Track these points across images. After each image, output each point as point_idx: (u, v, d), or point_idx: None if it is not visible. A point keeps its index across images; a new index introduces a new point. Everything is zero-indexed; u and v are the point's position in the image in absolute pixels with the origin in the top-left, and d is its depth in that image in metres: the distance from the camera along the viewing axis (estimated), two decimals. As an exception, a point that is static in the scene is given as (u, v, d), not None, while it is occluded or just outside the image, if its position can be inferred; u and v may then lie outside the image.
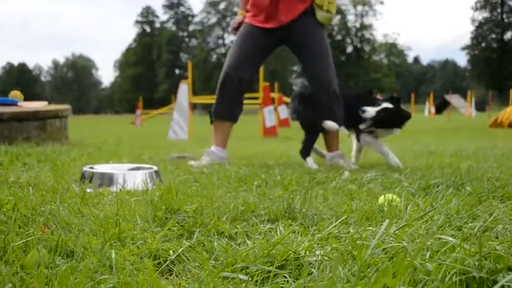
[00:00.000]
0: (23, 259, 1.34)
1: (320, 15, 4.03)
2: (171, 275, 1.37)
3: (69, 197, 2.33)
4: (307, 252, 1.40)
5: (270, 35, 4.10)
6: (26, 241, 1.50)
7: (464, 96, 36.93)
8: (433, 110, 34.01)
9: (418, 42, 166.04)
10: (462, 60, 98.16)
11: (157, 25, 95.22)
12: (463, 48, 74.74)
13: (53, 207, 1.99)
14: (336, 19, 73.78)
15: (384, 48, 75.11)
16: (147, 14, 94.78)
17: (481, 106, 42.11)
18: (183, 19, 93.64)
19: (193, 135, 10.53)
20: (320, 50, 4.10)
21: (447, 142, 7.51)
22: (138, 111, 25.49)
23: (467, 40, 75.04)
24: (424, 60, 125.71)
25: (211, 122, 4.37)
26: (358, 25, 74.20)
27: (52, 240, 1.49)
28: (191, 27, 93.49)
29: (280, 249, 1.39)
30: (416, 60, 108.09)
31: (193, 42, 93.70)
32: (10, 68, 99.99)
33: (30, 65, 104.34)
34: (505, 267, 1.17)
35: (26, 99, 8.03)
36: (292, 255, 1.38)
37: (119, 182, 2.81)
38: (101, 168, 3.13)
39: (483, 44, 72.00)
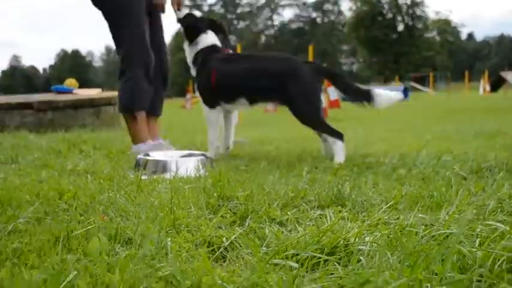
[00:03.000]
0: (85, 247, 1.42)
1: None
2: (224, 261, 1.42)
3: (126, 184, 2.42)
4: (357, 239, 1.43)
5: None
6: (87, 229, 1.58)
7: (521, 73, 35.71)
8: (488, 87, 33.04)
9: (472, 18, 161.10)
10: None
11: (206, 8, 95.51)
12: (519, 22, 72.07)
13: (110, 195, 2.08)
14: (386, -4, 72.38)
15: (436, 25, 73.13)
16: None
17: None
18: (230, 1, 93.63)
19: (242, 119, 10.58)
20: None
21: (503, 121, 7.32)
22: (188, 95, 25.71)
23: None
24: (479, 37, 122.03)
25: (134, 119, 3.98)
26: (409, 2, 72.45)
27: (111, 228, 1.56)
28: (239, 9, 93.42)
29: (330, 236, 1.42)
30: (471, 36, 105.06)
31: (242, 24, 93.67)
32: (64, 55, 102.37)
33: (83, 51, 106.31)
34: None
35: (80, 86, 8.25)
36: (341, 242, 1.40)
37: (172, 169, 2.89)
38: (155, 155, 3.22)
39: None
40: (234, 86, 3.59)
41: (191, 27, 3.83)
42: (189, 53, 3.83)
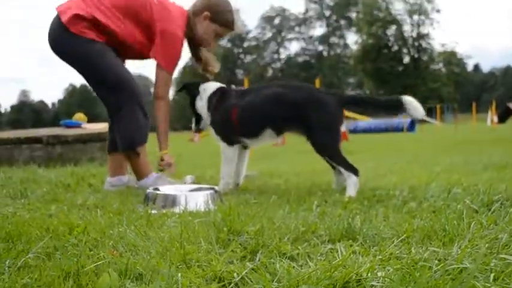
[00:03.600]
0: (95, 282, 1.41)
1: None
2: (235, 297, 1.41)
3: (135, 219, 2.42)
4: (369, 274, 1.42)
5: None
6: (97, 264, 1.58)
7: (529, 104, 35.70)
8: (495, 118, 33.02)
9: (478, 50, 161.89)
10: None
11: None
12: (526, 54, 72.42)
13: (120, 229, 2.07)
14: (392, 29, 72.94)
15: (442, 57, 73.48)
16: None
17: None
18: (237, 36, 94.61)
19: (252, 152, 10.61)
20: None
21: (511, 152, 7.29)
22: (197, 128, 25.80)
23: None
24: (485, 68, 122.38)
25: (137, 155, 3.87)
26: (414, 35, 73.00)
27: (121, 263, 1.56)
28: (246, 44, 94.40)
29: (342, 271, 1.41)
30: (477, 68, 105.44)
31: (249, 58, 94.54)
32: (72, 90, 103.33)
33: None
34: None
35: (88, 120, 8.31)
36: (354, 277, 1.39)
37: (182, 203, 2.88)
38: (164, 189, 3.22)
39: (547, 49, 69.53)
40: (259, 118, 3.60)
41: (190, 84, 3.98)
42: (202, 105, 3.86)
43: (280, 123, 3.56)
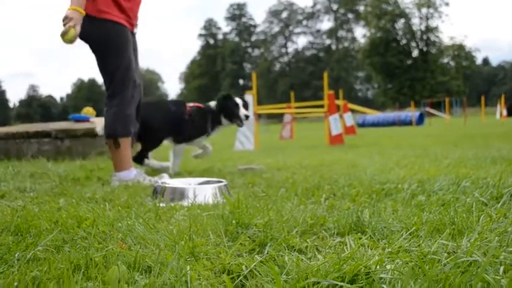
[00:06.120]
0: (104, 275, 1.41)
1: None
2: (244, 289, 1.40)
3: (144, 212, 2.42)
4: (378, 267, 1.41)
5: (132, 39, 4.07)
6: (106, 257, 1.58)
7: (538, 97, 35.46)
8: (504, 112, 32.84)
9: (487, 43, 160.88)
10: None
11: (220, 37, 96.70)
12: (535, 47, 71.98)
13: (129, 222, 2.07)
14: (400, 23, 72.65)
15: (451, 51, 73.14)
16: (210, 26, 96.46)
17: (556, 107, 40.31)
18: (245, 30, 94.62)
19: (259, 145, 10.62)
20: (138, 56, 4.22)
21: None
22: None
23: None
24: (494, 61, 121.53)
25: (118, 145, 3.94)
26: (423, 28, 72.69)
27: (130, 255, 1.56)
28: (253, 38, 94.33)
29: (351, 264, 1.41)
30: (486, 61, 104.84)
31: (256, 52, 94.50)
32: (81, 84, 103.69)
33: (99, 80, 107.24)
34: None
35: (97, 114, 8.33)
36: (362, 269, 1.38)
37: (190, 196, 2.89)
38: (173, 182, 3.23)
39: (557, 42, 69.01)
40: None
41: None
42: None
43: None
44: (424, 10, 72.46)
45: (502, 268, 1.33)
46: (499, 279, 1.23)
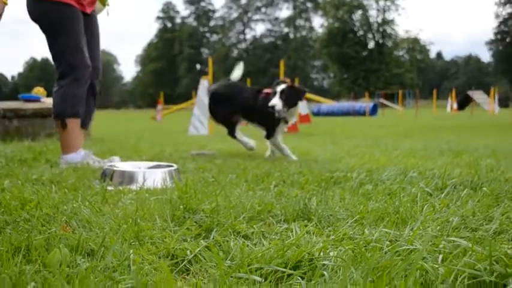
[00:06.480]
0: (45, 258, 1.39)
1: (97, 5, 4.18)
2: (188, 274, 1.40)
3: (90, 195, 2.39)
4: (321, 254, 1.43)
5: (85, 20, 4.04)
6: (48, 239, 1.55)
7: (487, 92, 36.47)
8: (455, 105, 33.66)
9: (441, 37, 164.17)
10: (486, 55, 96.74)
11: (178, 20, 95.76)
12: (487, 43, 73.91)
13: (74, 205, 2.04)
14: (358, 14, 73.36)
15: (406, 44, 74.36)
16: (168, 9, 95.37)
17: (504, 102, 41.53)
18: (204, 14, 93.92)
19: (213, 131, 10.59)
20: (99, 39, 4.24)
21: (469, 139, 7.45)
22: (159, 106, 25.62)
23: (491, 35, 73.93)
24: (447, 56, 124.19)
25: (65, 126, 3.89)
26: (380, 20, 73.57)
27: (73, 238, 1.54)
28: (212, 23, 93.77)
29: (295, 251, 1.42)
30: (439, 55, 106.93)
31: (214, 37, 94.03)
32: (33, 63, 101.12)
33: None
34: (515, 271, 1.19)
35: (49, 94, 8.14)
36: (306, 256, 1.40)
37: (139, 180, 2.86)
38: (122, 166, 3.19)
39: (507, 40, 70.97)
40: None
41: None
42: None
43: None
44: (381, 2, 73.37)
45: (440, 257, 1.37)
46: (437, 267, 1.26)
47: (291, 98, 4.40)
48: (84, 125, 4.10)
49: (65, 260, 1.36)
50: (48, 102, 7.29)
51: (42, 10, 3.83)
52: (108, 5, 4.27)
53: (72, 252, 1.45)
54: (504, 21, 70.98)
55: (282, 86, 4.43)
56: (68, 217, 1.87)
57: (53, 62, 3.92)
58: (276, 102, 4.31)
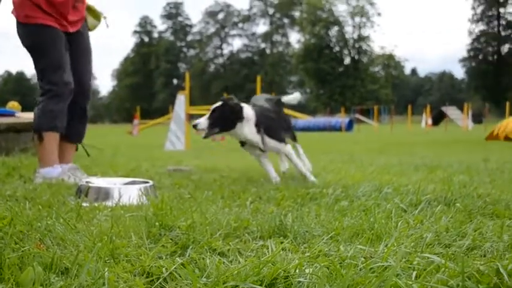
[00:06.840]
0: (18, 276, 1.37)
1: (90, 21, 4.33)
2: (163, 292, 1.40)
3: (65, 211, 2.37)
4: (297, 271, 1.43)
5: (70, 38, 4.14)
6: (22, 257, 1.53)
7: (461, 108, 37.07)
8: (429, 121, 34.12)
9: (416, 54, 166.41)
10: (459, 72, 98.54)
11: (156, 35, 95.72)
12: (460, 61, 75.08)
13: (49, 222, 2.02)
14: (334, 30, 74.03)
15: (381, 60, 75.22)
16: (145, 24, 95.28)
17: (477, 118, 42.20)
18: (181, 29, 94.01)
19: (190, 146, 10.57)
20: (90, 55, 4.33)
21: (443, 155, 7.55)
22: (136, 121, 25.53)
23: (464, 53, 75.10)
24: (422, 72, 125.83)
25: (41, 139, 3.94)
26: (355, 36, 74.36)
27: (47, 256, 1.52)
28: (189, 37, 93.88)
29: (271, 268, 1.42)
30: (414, 71, 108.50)
31: (191, 52, 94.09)
32: (8, 77, 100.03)
33: (28, 73, 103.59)
34: (486, 287, 1.21)
35: (23, 109, 8.06)
36: (282, 273, 1.40)
37: (115, 196, 2.84)
38: (97, 182, 3.16)
39: (480, 57, 72.19)
40: None
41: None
42: None
43: None
44: (357, 19, 74.14)
45: (414, 273, 1.38)
46: (410, 284, 1.28)
47: (222, 118, 3.74)
48: (72, 138, 4.22)
49: (38, 278, 1.35)
50: (23, 117, 7.21)
51: (26, 33, 4.00)
52: (105, 17, 4.39)
53: (46, 271, 1.44)
54: (477, 38, 72.21)
55: (216, 104, 3.84)
56: (42, 234, 1.85)
57: (30, 74, 4.02)
58: (200, 121, 3.73)
